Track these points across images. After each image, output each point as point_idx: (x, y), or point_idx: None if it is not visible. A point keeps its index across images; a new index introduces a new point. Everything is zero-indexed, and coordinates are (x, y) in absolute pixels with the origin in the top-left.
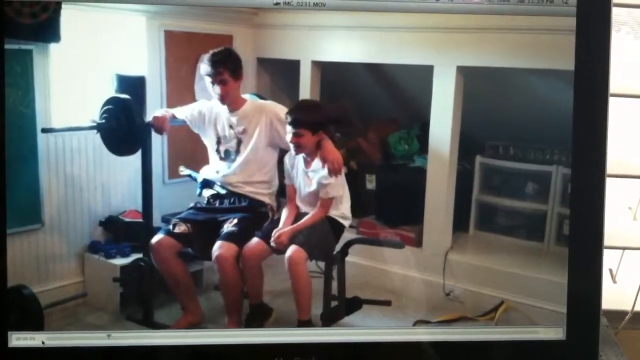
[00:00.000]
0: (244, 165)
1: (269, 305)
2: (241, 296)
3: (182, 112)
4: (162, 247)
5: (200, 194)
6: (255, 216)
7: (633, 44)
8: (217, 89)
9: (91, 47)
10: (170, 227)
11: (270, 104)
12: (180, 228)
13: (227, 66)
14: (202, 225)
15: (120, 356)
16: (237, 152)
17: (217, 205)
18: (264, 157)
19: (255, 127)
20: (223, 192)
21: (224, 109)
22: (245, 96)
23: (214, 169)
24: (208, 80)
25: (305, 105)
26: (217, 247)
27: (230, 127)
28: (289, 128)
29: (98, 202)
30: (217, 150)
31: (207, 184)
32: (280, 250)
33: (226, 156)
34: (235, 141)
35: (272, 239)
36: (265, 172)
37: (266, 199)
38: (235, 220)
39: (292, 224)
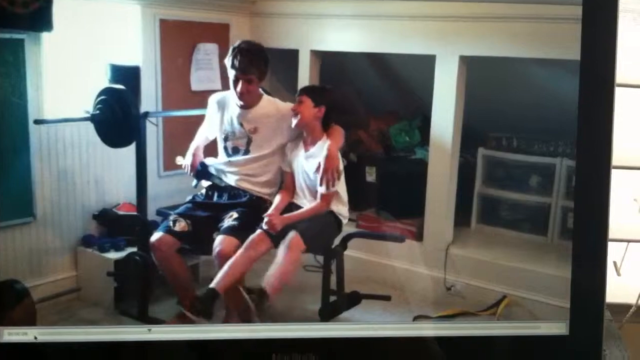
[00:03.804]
0: (252, 162)
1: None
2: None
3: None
4: (163, 245)
5: (196, 185)
6: (255, 210)
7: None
8: (241, 86)
9: (84, 37)
10: (170, 224)
11: (285, 106)
12: (180, 225)
13: (258, 66)
14: (202, 221)
15: (114, 351)
16: (247, 151)
17: (215, 198)
18: (272, 159)
19: (269, 128)
20: (222, 184)
21: (233, 103)
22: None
23: (220, 160)
24: (232, 73)
25: (313, 85)
26: (218, 242)
27: (241, 124)
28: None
29: (91, 195)
30: (225, 148)
31: (204, 173)
32: (279, 239)
33: (234, 154)
34: (246, 140)
35: (264, 222)
36: (271, 174)
37: (266, 197)
38: (236, 214)
39: (282, 211)
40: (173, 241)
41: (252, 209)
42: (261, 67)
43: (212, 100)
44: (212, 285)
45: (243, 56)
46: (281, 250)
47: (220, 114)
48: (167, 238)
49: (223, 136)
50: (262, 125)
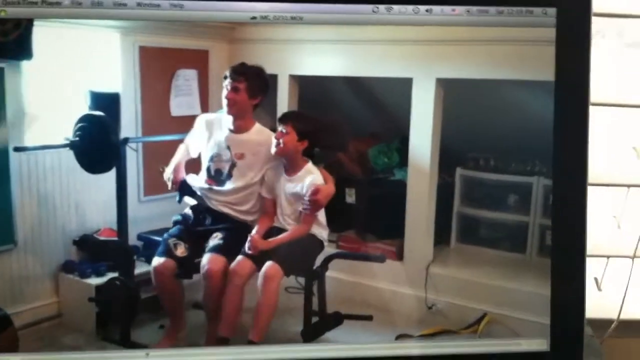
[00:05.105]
0: (234, 193)
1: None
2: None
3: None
4: (166, 270)
5: (180, 201)
6: (239, 233)
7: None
8: (228, 93)
9: (64, 64)
10: (172, 248)
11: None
12: (181, 250)
13: (248, 78)
14: (195, 244)
15: None
16: (229, 175)
17: (202, 220)
18: (254, 189)
19: (255, 156)
20: (206, 205)
21: (225, 125)
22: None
23: (202, 181)
24: (224, 83)
25: (300, 112)
26: (206, 261)
27: (228, 147)
28: (277, 126)
29: (72, 220)
30: (208, 169)
31: (187, 189)
32: (262, 262)
33: (216, 176)
34: (229, 164)
35: (246, 245)
36: (252, 203)
37: (250, 222)
38: (220, 234)
39: (264, 235)
40: (174, 266)
41: (236, 231)
42: (252, 80)
43: (202, 119)
44: (220, 334)
45: (236, 67)
46: (260, 282)
47: (208, 134)
48: (169, 263)
49: (209, 157)
50: (250, 152)
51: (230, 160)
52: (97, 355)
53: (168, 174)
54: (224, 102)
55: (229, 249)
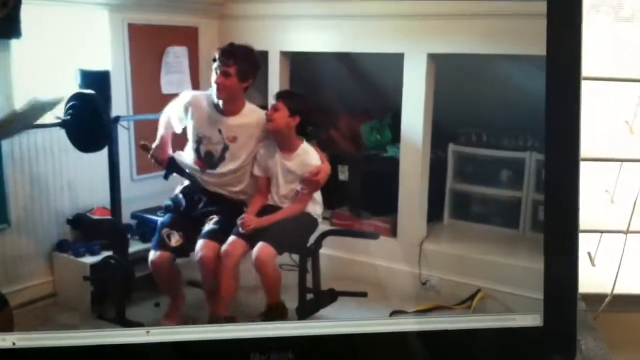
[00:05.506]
0: (228, 174)
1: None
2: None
3: (176, 122)
4: (164, 262)
5: (166, 177)
6: (234, 212)
7: (613, 26)
8: (217, 77)
9: (53, 43)
10: (165, 239)
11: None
12: (175, 239)
13: (237, 61)
14: (190, 230)
15: (93, 355)
16: (222, 158)
17: (195, 204)
18: (246, 169)
19: (248, 138)
20: (198, 186)
21: (214, 107)
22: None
23: (191, 161)
24: (213, 65)
25: (291, 90)
26: (200, 248)
27: (219, 131)
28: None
29: (65, 200)
30: (197, 150)
31: (175, 167)
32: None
33: (207, 158)
34: (222, 146)
35: (238, 224)
36: (245, 182)
37: (244, 199)
38: (216, 217)
39: (257, 213)
40: (169, 257)
41: (230, 212)
42: (242, 64)
43: (188, 95)
44: (217, 313)
45: (225, 49)
46: (255, 264)
47: (196, 113)
48: (165, 255)
49: (195, 138)
50: (242, 134)
51: (222, 143)
52: (98, 333)
53: (153, 150)
54: (214, 86)
55: (223, 233)
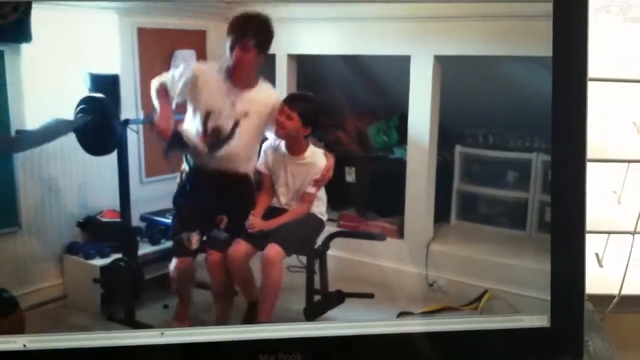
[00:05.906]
0: (235, 153)
1: None
2: (231, 295)
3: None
4: (187, 268)
5: (166, 155)
6: (242, 206)
7: (622, 26)
8: (236, 53)
9: (63, 47)
10: (185, 243)
11: (279, 96)
12: (195, 239)
13: (257, 33)
14: (202, 225)
15: (103, 357)
16: (232, 134)
17: (199, 191)
18: (254, 148)
19: (260, 117)
20: (201, 171)
21: (226, 80)
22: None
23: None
24: (229, 40)
25: (306, 97)
26: (207, 255)
27: (233, 104)
28: (282, 108)
29: (75, 203)
30: (204, 125)
31: (178, 144)
32: (263, 245)
33: (213, 134)
34: (233, 121)
35: (247, 225)
36: (252, 164)
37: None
38: (226, 219)
39: (262, 213)
40: (192, 261)
41: (239, 206)
42: (261, 34)
43: (188, 69)
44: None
45: (241, 22)
46: (263, 264)
47: (202, 86)
48: (188, 260)
49: (203, 113)
50: (254, 111)
51: (233, 118)
52: (110, 334)
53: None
54: (230, 59)
55: (231, 238)
